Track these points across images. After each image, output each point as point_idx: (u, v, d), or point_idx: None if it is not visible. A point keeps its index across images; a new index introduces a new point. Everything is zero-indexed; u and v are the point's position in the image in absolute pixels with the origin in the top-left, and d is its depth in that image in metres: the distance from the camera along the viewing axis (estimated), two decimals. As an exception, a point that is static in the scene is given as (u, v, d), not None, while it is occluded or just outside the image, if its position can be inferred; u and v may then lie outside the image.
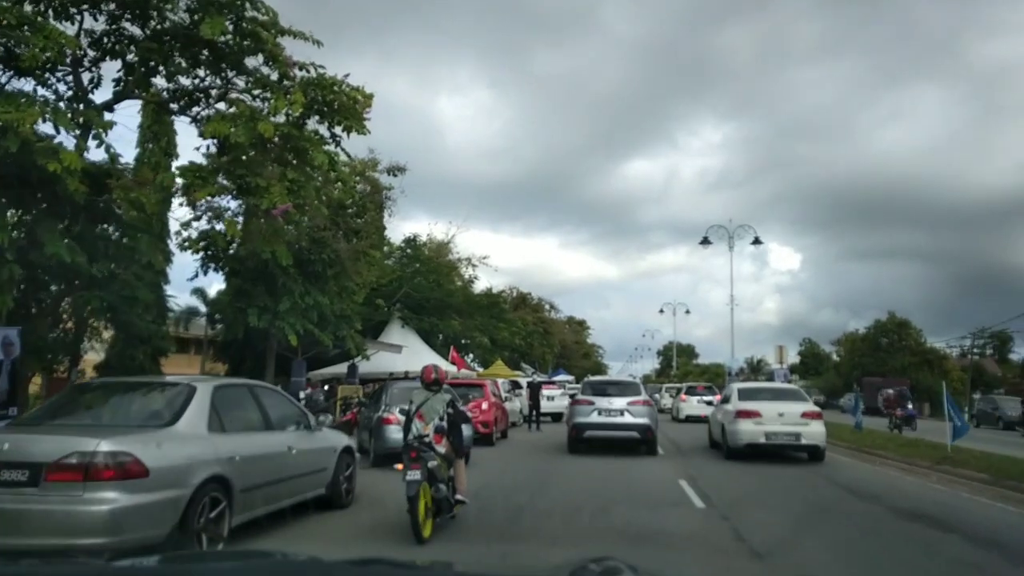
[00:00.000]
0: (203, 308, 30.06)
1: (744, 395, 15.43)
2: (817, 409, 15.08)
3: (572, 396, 21.60)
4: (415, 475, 6.72)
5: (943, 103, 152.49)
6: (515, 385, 25.91)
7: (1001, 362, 72.52)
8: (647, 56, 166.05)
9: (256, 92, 12.46)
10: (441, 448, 7.33)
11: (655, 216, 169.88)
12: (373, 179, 21.59)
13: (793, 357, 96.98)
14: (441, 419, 7.46)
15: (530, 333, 53.38)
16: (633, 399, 15.29)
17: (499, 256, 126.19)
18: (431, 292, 31.78)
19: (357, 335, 22.59)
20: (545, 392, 26.87)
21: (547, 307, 67.68)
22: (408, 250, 34.73)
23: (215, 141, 12.35)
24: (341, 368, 28.12)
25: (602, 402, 15.18)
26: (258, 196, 12.08)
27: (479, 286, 41.99)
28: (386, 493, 8.53)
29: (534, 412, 22.29)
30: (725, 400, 16.44)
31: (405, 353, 29.41)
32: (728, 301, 37.24)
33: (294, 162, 12.99)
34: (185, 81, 12.40)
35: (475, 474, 10.83)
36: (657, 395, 34.34)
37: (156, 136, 22.40)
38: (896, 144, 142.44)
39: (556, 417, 27.25)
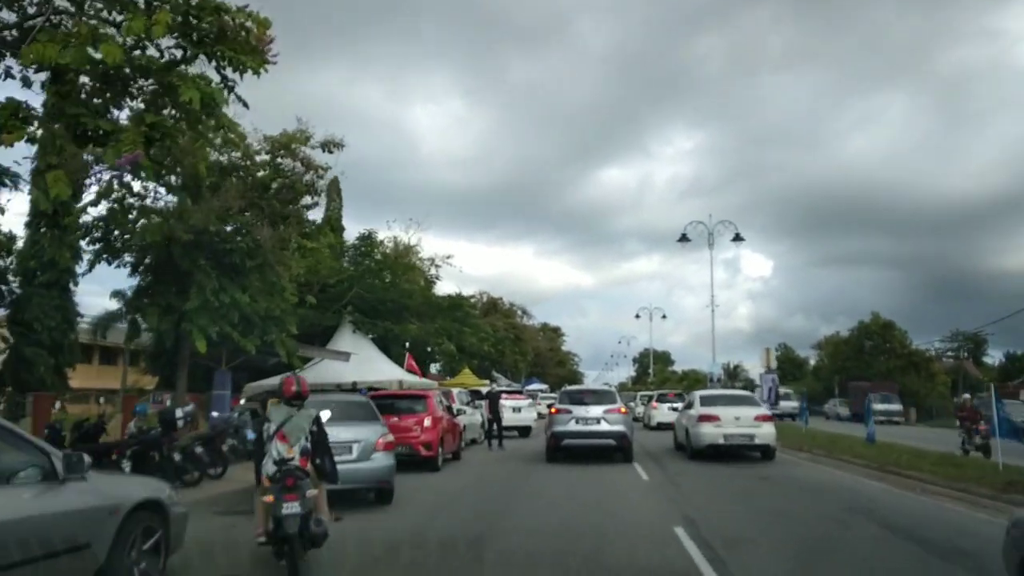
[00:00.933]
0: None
1: (705, 401, 16.97)
2: (768, 412, 17.09)
3: (549, 406, 20.79)
4: (293, 508, 5.70)
5: (910, 109, 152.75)
6: (476, 395, 22.74)
7: (977, 365, 70.85)
8: (620, 66, 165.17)
9: (102, 10, 9.23)
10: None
11: (629, 224, 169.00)
12: (305, 156, 18.38)
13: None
14: (307, 439, 6.36)
15: (500, 340, 50.12)
16: (609, 407, 15.45)
17: (474, 265, 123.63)
18: (385, 293, 28.47)
19: (290, 340, 19.23)
20: (508, 403, 23.72)
21: (519, 313, 64.55)
22: (361, 248, 31.32)
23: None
24: (274, 380, 24.88)
25: (579, 411, 15.31)
26: (103, 144, 8.85)
27: (443, 289, 38.64)
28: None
29: (495, 427, 19.11)
30: (688, 406, 18.00)
31: (355, 361, 26.13)
32: (706, 305, 34.75)
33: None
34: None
35: (406, 513, 9.11)
36: (632, 403, 34.16)
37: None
38: (865, 150, 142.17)
39: (524, 431, 24.10)
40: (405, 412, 13.62)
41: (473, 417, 20.31)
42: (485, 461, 16.36)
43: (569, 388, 19.42)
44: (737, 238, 38.27)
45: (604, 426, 15.11)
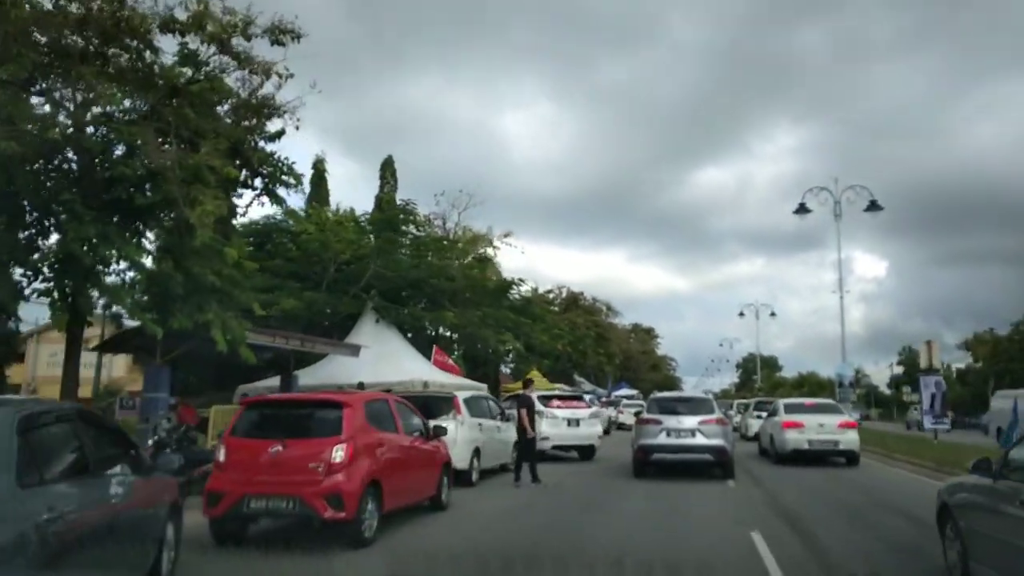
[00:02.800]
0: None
1: (789, 409, 17.49)
2: (853, 420, 17.92)
3: (636, 414, 19.08)
4: None
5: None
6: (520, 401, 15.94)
7: None
8: (715, 60, 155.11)
9: None
10: None
11: (728, 226, 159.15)
12: (246, 54, 12.53)
13: (882, 369, 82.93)
14: None
15: (580, 338, 42.86)
16: (705, 418, 13.65)
17: (566, 271, 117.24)
18: (414, 271, 22.12)
19: (239, 321, 13.16)
20: (560, 413, 16.74)
21: (604, 310, 56.92)
22: (389, 218, 25.08)
23: None
24: (273, 382, 19.21)
25: (671, 421, 13.59)
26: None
27: (504, 274, 31.95)
28: None
29: (527, 451, 12.20)
30: (772, 414, 18.46)
31: (374, 357, 19.99)
32: (836, 293, 26.95)
33: None
34: None
35: None
36: (729, 412, 30.37)
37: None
38: (989, 140, 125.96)
39: (585, 452, 17.11)
40: (298, 433, 7.05)
41: (503, 433, 13.55)
42: (496, 512, 9.51)
43: (659, 395, 17.37)
44: (873, 206, 30.32)
45: (700, 439, 13.36)
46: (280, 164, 13.74)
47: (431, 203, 32.97)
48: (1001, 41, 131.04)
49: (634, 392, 47.05)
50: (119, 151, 11.59)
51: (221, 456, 6.96)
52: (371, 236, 24.44)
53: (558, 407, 16.77)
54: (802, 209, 31.85)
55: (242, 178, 13.31)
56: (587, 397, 27.97)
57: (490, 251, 31.56)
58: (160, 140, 11.40)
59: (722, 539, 7.68)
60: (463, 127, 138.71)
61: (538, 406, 16.26)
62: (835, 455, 16.24)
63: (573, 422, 16.79)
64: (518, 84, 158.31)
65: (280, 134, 13.58)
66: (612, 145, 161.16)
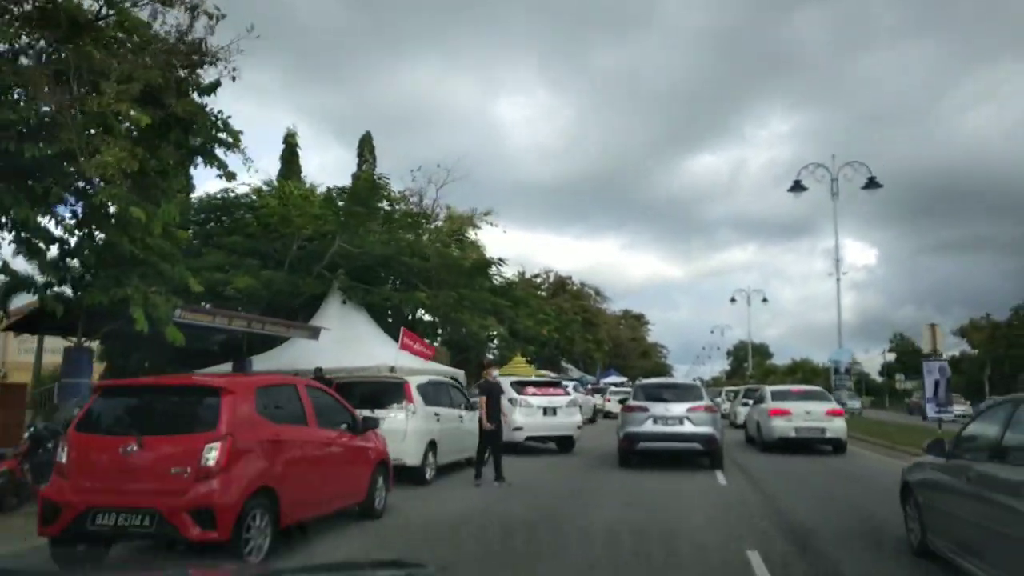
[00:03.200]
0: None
1: (776, 396, 17.26)
2: (839, 407, 17.24)
3: (621, 401, 18.08)
4: None
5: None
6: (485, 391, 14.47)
7: None
8: (712, 46, 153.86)
9: None
10: None
11: (722, 213, 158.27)
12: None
13: (873, 356, 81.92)
14: None
15: (567, 323, 41.33)
16: (693, 404, 13.02)
17: (561, 258, 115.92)
18: (383, 248, 20.50)
19: (167, 298, 11.49)
20: (535, 400, 15.19)
21: (592, 295, 55.36)
22: (356, 191, 23.35)
23: None
24: (227, 367, 17.73)
25: (657, 408, 12.96)
26: None
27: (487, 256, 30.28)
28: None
29: (489, 444, 10.61)
30: (759, 401, 18.27)
31: (337, 341, 18.46)
32: (833, 275, 25.51)
33: None
34: None
35: None
36: (717, 399, 30.04)
37: None
38: (984, 127, 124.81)
39: (563, 443, 15.61)
40: (160, 428, 5.45)
41: (466, 424, 11.97)
42: (439, 521, 7.90)
43: (645, 382, 16.47)
44: (872, 184, 29.13)
45: (688, 427, 12.86)
46: (214, 118, 12.01)
47: (408, 180, 31.18)
48: (997, 28, 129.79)
49: (623, 379, 45.70)
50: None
51: (62, 457, 5.35)
52: (339, 212, 22.76)
53: (533, 394, 15.23)
54: (797, 187, 30.31)
55: (172, 138, 11.57)
56: (571, 384, 26.36)
57: (471, 232, 29.91)
58: (58, 84, 9.69)
59: (714, 567, 6.11)
60: (459, 113, 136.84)
61: (511, 393, 14.71)
62: (822, 443, 16.05)
63: (550, 411, 15.24)
64: (514, 70, 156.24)
65: (215, 85, 11.85)
66: (608, 131, 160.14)
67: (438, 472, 10.87)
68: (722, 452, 12.97)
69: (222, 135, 12.37)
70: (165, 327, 11.33)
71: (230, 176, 19.04)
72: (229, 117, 12.11)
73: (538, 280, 49.75)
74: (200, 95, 11.89)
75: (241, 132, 13.25)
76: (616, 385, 40.84)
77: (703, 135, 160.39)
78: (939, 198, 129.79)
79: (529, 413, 14.75)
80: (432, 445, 10.55)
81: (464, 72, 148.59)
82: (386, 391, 10.56)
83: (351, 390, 9.95)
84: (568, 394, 16.16)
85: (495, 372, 11.85)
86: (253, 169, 21.33)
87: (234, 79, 11.52)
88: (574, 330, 44.09)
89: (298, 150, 28.65)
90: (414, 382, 10.77)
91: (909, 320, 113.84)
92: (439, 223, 26.93)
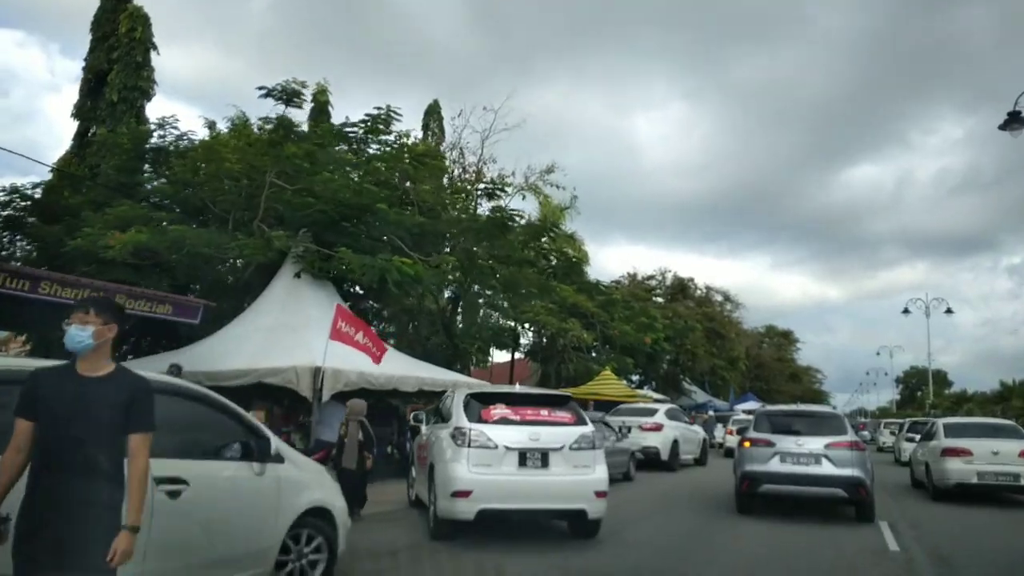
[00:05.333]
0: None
1: (951, 431, 14.08)
2: None
3: (740, 431, 15.34)
4: None
5: None
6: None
7: None
8: (865, 50, 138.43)
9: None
10: None
11: (885, 228, 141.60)
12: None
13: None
14: None
15: (681, 331, 32.36)
16: (834, 440, 10.62)
17: (703, 279, 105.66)
18: (335, 190, 13.28)
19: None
20: (499, 436, 7.32)
21: (720, 300, 45.31)
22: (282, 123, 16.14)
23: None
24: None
25: (787, 443, 10.75)
26: None
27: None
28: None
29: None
30: (928, 437, 15.22)
31: (269, 330, 11.71)
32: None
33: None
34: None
35: None
36: (876, 432, 30.30)
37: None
38: None
39: (575, 522, 7.52)
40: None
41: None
42: None
43: (771, 408, 13.68)
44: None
45: (827, 468, 10.35)
46: None
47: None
48: None
49: (764, 406, 35.69)
50: None
51: None
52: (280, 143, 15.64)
53: (503, 420, 7.39)
54: (1015, 120, 20.03)
55: None
56: (665, 408, 18.00)
57: (528, 195, 22.27)
58: None
59: None
60: (591, 131, 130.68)
61: (457, 419, 7.01)
62: (1015, 492, 13.08)
63: (533, 458, 7.28)
64: (648, 86, 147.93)
65: None
66: (750, 146, 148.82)
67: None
68: (873, 501, 10.58)
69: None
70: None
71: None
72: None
73: (652, 282, 40.95)
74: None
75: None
76: (749, 412, 31.04)
77: (861, 145, 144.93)
78: None
79: (489, 461, 6.95)
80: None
81: (593, 91, 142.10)
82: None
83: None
84: (579, 423, 7.88)
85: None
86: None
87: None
88: (695, 341, 34.66)
89: (330, 108, 22.15)
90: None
91: None
92: (484, 185, 19.54)
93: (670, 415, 18.42)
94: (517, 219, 16.58)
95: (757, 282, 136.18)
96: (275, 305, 13.47)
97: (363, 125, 16.05)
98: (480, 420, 7.71)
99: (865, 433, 41.93)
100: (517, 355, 31.10)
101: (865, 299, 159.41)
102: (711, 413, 33.71)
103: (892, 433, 30.71)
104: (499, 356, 33.10)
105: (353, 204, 13.63)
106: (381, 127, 15.44)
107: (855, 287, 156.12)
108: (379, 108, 16.06)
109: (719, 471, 18.72)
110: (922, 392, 62.76)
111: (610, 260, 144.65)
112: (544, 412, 8.00)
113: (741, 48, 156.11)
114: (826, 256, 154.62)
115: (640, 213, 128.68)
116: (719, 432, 27.39)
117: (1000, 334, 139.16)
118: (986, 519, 11.21)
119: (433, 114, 28.05)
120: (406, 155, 15.46)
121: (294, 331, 12.22)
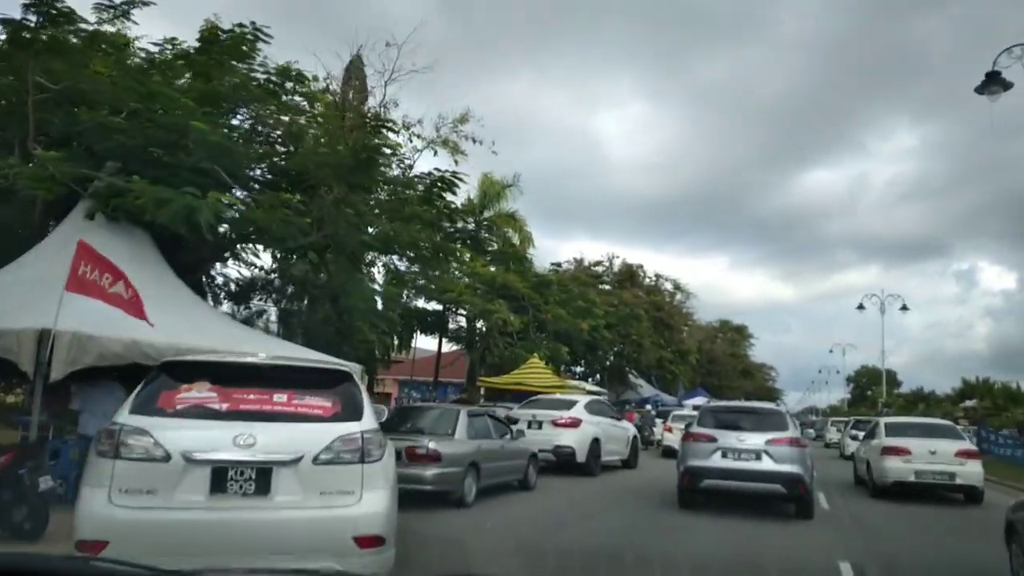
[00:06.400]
0: None
1: (892, 430, 14.45)
2: (974, 448, 14.29)
3: (687, 426, 13.71)
4: None
5: None
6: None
7: None
8: (826, 54, 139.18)
9: None
10: None
11: (839, 232, 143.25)
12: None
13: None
14: None
15: (623, 319, 29.47)
16: (775, 436, 10.63)
17: (655, 268, 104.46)
18: (131, 99, 9.73)
19: None
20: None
21: (668, 288, 42.61)
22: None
23: None
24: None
25: (729, 438, 10.76)
26: None
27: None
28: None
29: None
30: (870, 435, 15.60)
31: (33, 282, 8.00)
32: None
33: None
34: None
35: None
36: (823, 430, 31.74)
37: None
38: None
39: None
40: None
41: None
42: None
43: (714, 405, 14.07)
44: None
45: (767, 464, 10.37)
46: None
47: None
48: None
49: (704, 400, 33.11)
50: None
51: None
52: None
53: (194, 411, 4.21)
54: (993, 81, 17.35)
55: None
56: (581, 400, 15.02)
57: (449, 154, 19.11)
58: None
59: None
60: (555, 128, 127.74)
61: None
62: (950, 490, 13.52)
63: (242, 479, 4.01)
64: (613, 84, 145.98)
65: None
66: (712, 146, 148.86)
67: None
68: (812, 498, 10.63)
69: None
70: None
71: None
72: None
73: (599, 269, 37.99)
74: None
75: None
76: (696, 408, 28.25)
77: (817, 149, 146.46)
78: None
79: (150, 485, 3.78)
80: None
81: (557, 86, 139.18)
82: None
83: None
84: (348, 415, 4.08)
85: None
86: None
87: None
88: (641, 331, 31.69)
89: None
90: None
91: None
92: (368, 121, 16.14)
93: (591, 409, 15.36)
94: (388, 153, 13.18)
95: (714, 281, 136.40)
96: (49, 253, 9.98)
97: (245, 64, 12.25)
98: (156, 411, 4.56)
99: (810, 431, 40.13)
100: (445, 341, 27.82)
101: (818, 300, 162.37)
102: (649, 408, 30.94)
103: (839, 430, 32.06)
104: (425, 343, 29.70)
105: (164, 123, 10.03)
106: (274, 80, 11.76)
107: (809, 289, 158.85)
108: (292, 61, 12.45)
109: (650, 474, 15.78)
110: (872, 391, 61.64)
111: (570, 254, 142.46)
112: (280, 397, 4.69)
113: (705, 49, 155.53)
114: (781, 258, 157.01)
115: (601, 208, 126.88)
116: (659, 429, 24.52)
117: (944, 337, 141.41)
118: (923, 513, 11.60)
119: (355, 69, 24.49)
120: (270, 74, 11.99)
121: (50, 286, 8.73)
